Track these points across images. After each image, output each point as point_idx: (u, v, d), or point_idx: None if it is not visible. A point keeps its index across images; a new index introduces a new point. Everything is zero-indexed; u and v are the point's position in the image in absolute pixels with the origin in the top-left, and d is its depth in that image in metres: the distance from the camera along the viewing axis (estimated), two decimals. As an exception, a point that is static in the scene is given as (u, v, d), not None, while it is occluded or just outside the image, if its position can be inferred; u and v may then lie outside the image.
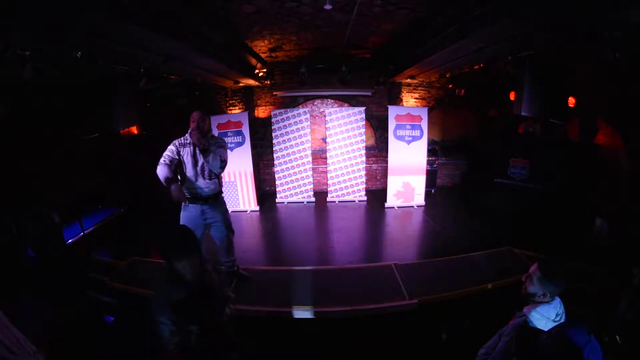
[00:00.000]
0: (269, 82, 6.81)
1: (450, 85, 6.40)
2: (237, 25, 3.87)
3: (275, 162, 6.76)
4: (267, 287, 3.50)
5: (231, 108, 7.34)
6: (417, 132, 6.30)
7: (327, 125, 6.63)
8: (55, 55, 2.62)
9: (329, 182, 6.81)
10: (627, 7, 2.07)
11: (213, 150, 3.01)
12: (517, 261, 3.70)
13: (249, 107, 7.18)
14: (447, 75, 6.07)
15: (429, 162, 6.63)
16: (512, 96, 4.39)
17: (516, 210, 5.50)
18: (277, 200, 6.83)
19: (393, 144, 6.30)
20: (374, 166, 7.54)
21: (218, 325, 1.73)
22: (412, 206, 6.37)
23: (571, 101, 4.25)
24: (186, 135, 3.09)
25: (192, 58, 3.62)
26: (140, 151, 6.54)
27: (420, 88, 7.31)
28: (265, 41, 4.80)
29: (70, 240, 4.66)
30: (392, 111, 6.27)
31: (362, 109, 6.62)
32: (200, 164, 3.07)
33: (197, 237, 1.76)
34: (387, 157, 6.54)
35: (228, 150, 6.64)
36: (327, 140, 6.69)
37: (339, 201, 6.77)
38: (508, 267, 3.56)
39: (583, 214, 4.56)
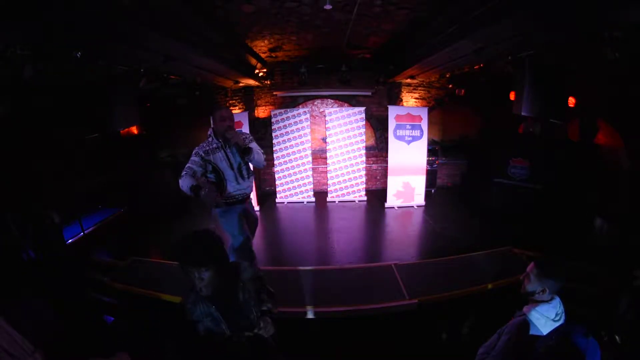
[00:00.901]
0: (269, 82, 6.81)
1: (450, 85, 6.40)
2: (237, 25, 3.87)
3: (275, 162, 6.76)
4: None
5: (231, 108, 7.33)
6: (417, 132, 6.30)
7: (327, 125, 6.63)
8: (55, 55, 2.62)
9: (329, 182, 6.81)
10: (627, 7, 2.07)
11: (253, 147, 2.76)
12: (517, 261, 3.70)
13: (249, 107, 7.18)
14: (447, 75, 6.07)
15: (429, 162, 6.63)
16: (512, 96, 4.39)
17: (516, 210, 5.50)
18: (277, 200, 6.82)
19: (393, 144, 6.30)
20: (374, 166, 7.54)
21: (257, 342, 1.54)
22: (412, 206, 6.37)
23: (571, 101, 4.25)
24: (208, 140, 2.82)
25: (192, 58, 3.62)
26: (140, 151, 6.55)
27: (420, 88, 7.31)
28: (265, 41, 4.79)
29: (70, 240, 4.66)
30: (392, 111, 6.27)
31: (362, 109, 6.62)
32: (236, 165, 2.84)
33: (222, 245, 1.51)
34: (387, 157, 6.54)
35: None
36: (327, 140, 6.69)
37: (339, 201, 6.77)
38: (508, 267, 3.56)
39: (583, 214, 4.56)
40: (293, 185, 6.79)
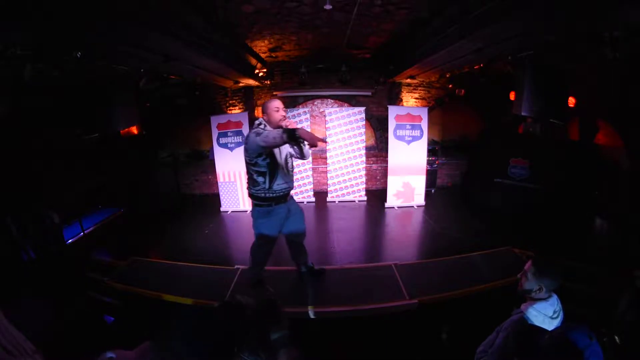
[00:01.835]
0: (269, 82, 6.81)
1: (450, 85, 6.39)
2: (237, 25, 3.87)
3: (275, 162, 6.75)
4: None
5: (231, 108, 7.33)
6: (417, 132, 6.30)
7: (327, 125, 6.63)
8: (55, 55, 2.62)
9: (329, 182, 6.81)
10: (627, 7, 2.07)
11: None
12: (517, 261, 3.70)
13: (249, 107, 7.18)
14: (447, 75, 6.06)
15: (429, 162, 6.63)
16: (512, 96, 4.39)
17: (516, 210, 5.50)
18: (277, 200, 6.82)
19: (393, 144, 6.30)
20: (374, 166, 7.54)
21: None
22: (412, 206, 6.37)
23: (571, 101, 4.25)
24: (261, 127, 2.72)
25: (192, 58, 3.62)
26: (140, 151, 6.56)
27: (420, 88, 7.31)
28: (265, 41, 4.79)
29: (70, 240, 4.67)
30: (392, 111, 6.27)
31: (362, 109, 6.61)
32: (284, 157, 2.80)
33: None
34: (387, 157, 6.54)
35: (228, 150, 6.66)
36: (327, 140, 6.69)
37: (339, 201, 6.77)
38: (508, 267, 3.56)
39: (583, 214, 4.56)
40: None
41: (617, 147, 4.39)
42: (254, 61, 5.70)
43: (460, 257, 3.93)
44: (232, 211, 6.49)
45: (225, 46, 4.17)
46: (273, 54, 5.61)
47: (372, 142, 7.44)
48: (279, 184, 2.79)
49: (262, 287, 3.24)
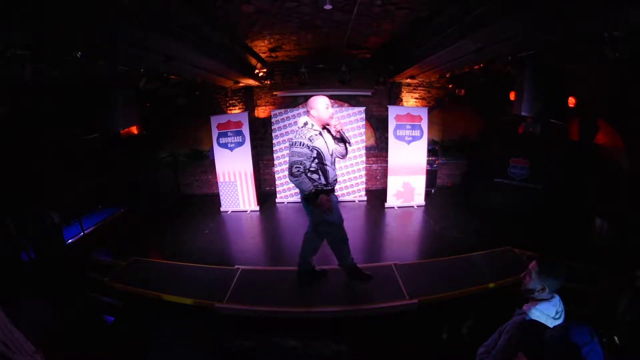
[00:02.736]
0: (269, 82, 6.81)
1: (450, 85, 6.39)
2: (237, 25, 3.87)
3: (275, 162, 6.76)
4: (267, 287, 3.50)
5: (231, 108, 7.34)
6: (417, 132, 6.30)
7: (327, 125, 6.62)
8: (55, 55, 2.62)
9: (329, 182, 6.80)
10: (627, 7, 2.07)
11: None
12: (517, 261, 3.70)
13: (249, 107, 7.18)
14: (447, 75, 6.06)
15: (429, 162, 6.63)
16: (512, 96, 4.39)
17: (516, 210, 5.50)
18: (277, 200, 6.82)
19: (393, 144, 6.30)
20: (374, 166, 7.54)
21: None
22: (412, 206, 6.37)
23: (571, 101, 4.25)
24: (304, 127, 2.87)
25: (192, 58, 3.61)
26: (140, 151, 6.56)
27: (420, 88, 7.31)
28: (265, 41, 4.80)
29: (70, 240, 4.67)
30: (392, 111, 6.27)
31: (362, 109, 6.61)
32: (330, 152, 2.95)
33: None
34: (387, 157, 6.53)
35: (228, 150, 6.67)
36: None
37: (339, 201, 6.76)
38: (508, 267, 3.56)
39: (583, 214, 4.56)
40: (293, 185, 6.78)
41: (617, 147, 4.39)
42: (254, 61, 5.70)
43: (460, 257, 3.93)
44: (232, 211, 6.49)
45: (225, 46, 4.17)
46: (273, 54, 5.62)
47: (372, 142, 7.44)
48: (331, 178, 3.02)
49: (312, 277, 3.42)
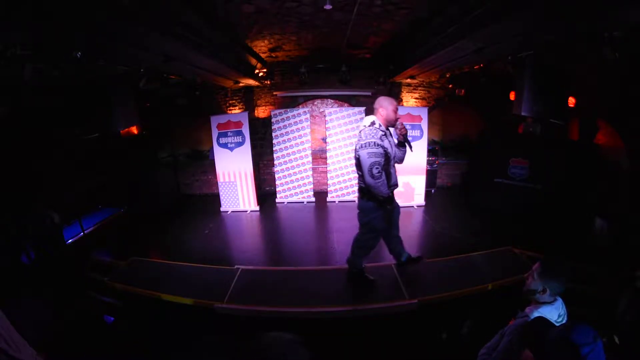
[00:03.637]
0: (269, 82, 6.81)
1: (450, 85, 6.39)
2: (237, 25, 3.87)
3: (275, 162, 6.76)
4: (267, 287, 3.50)
5: (231, 108, 7.33)
6: (417, 132, 6.30)
7: (327, 125, 6.63)
8: (55, 55, 2.62)
9: (329, 182, 6.81)
10: (627, 7, 2.07)
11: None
12: (517, 261, 3.70)
13: (249, 107, 7.18)
14: (447, 75, 6.07)
15: (429, 162, 6.63)
16: (512, 96, 4.39)
17: (516, 210, 5.50)
18: (277, 200, 6.82)
19: (393, 144, 6.29)
20: (374, 166, 7.52)
21: None
22: (412, 206, 6.37)
23: (571, 101, 4.25)
24: (372, 127, 2.83)
25: (192, 58, 3.61)
26: (140, 151, 6.56)
27: (420, 88, 7.31)
28: (265, 41, 4.79)
29: (70, 240, 4.67)
30: (392, 111, 6.26)
31: (362, 109, 6.61)
32: (393, 154, 2.98)
33: None
34: (387, 157, 6.53)
35: (228, 150, 6.67)
36: (327, 140, 6.69)
37: (339, 201, 6.77)
38: (508, 267, 3.56)
39: (583, 214, 4.56)
40: (293, 185, 6.79)
41: (617, 147, 4.39)
42: (254, 61, 5.70)
43: (460, 257, 3.93)
44: (232, 211, 6.49)
45: (225, 46, 4.17)
46: (273, 54, 5.61)
47: (372, 142, 7.42)
48: (393, 181, 3.03)
49: (363, 276, 3.41)
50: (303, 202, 6.79)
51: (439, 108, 7.30)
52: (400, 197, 6.39)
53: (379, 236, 3.23)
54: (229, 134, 6.36)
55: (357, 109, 6.60)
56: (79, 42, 2.51)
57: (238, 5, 3.23)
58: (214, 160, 6.55)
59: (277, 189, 6.86)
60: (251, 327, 3.02)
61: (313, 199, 6.80)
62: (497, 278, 3.37)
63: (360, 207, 3.11)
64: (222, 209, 6.54)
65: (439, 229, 5.32)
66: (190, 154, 7.51)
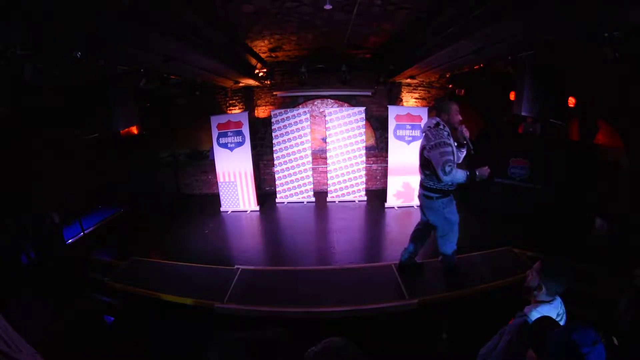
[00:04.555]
0: (269, 82, 6.81)
1: (450, 85, 6.40)
2: (237, 25, 3.87)
3: (275, 162, 6.76)
4: (267, 287, 3.50)
5: (231, 108, 7.34)
6: (417, 132, 6.29)
7: (327, 125, 6.63)
8: (55, 55, 2.62)
9: (329, 182, 6.81)
10: (627, 7, 2.07)
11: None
12: (517, 261, 3.71)
13: (249, 107, 7.18)
14: (447, 75, 6.06)
15: (429, 162, 6.62)
16: (512, 96, 4.39)
17: (516, 210, 5.49)
18: (277, 200, 6.82)
19: (393, 144, 6.30)
20: (374, 166, 7.53)
21: None
22: (412, 206, 6.36)
23: (571, 101, 4.25)
24: (439, 128, 2.99)
25: (192, 58, 3.61)
26: (140, 151, 6.56)
27: (420, 88, 7.31)
28: (265, 41, 4.79)
29: (70, 240, 4.67)
30: (392, 111, 6.27)
31: (362, 109, 6.61)
32: (456, 153, 3.09)
33: None
34: (387, 157, 6.54)
35: (228, 150, 6.66)
36: (327, 140, 6.69)
37: (339, 201, 6.77)
38: (508, 267, 3.56)
39: (583, 214, 4.56)
40: (293, 185, 6.79)
41: (617, 147, 4.39)
42: (254, 61, 5.70)
43: (460, 257, 3.93)
44: (232, 211, 6.49)
45: (225, 46, 4.17)
46: (273, 54, 5.61)
47: (372, 142, 7.44)
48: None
49: (458, 274, 3.47)
50: (303, 202, 6.79)
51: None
52: (401, 197, 6.41)
53: (456, 227, 3.34)
54: (229, 134, 6.36)
55: (357, 109, 6.60)
56: (79, 42, 2.51)
57: (238, 5, 3.23)
58: (214, 160, 6.54)
59: (277, 189, 6.86)
60: (251, 327, 3.02)
61: (313, 199, 6.80)
62: (497, 278, 3.38)
63: (429, 207, 3.23)
64: (222, 209, 6.54)
65: (439, 229, 5.31)
66: (190, 154, 7.51)
